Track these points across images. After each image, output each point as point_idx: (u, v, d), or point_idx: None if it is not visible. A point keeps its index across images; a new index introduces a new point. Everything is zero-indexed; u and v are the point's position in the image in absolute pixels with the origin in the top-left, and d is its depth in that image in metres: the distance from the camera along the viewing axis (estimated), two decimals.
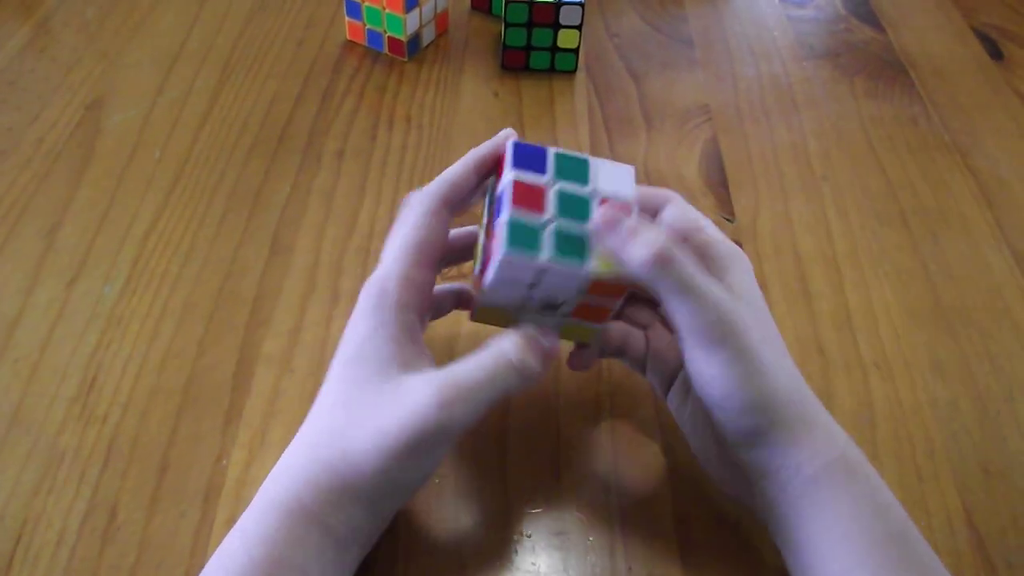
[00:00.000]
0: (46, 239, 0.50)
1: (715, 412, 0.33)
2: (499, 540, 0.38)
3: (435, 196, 0.35)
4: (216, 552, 0.31)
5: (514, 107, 0.61)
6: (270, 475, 0.33)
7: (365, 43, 0.66)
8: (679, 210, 0.37)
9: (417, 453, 0.31)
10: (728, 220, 0.53)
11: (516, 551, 0.37)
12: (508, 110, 0.60)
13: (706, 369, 0.32)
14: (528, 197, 0.32)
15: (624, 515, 0.39)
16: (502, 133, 0.36)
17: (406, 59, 0.64)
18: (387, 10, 0.62)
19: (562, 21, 0.61)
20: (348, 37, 0.66)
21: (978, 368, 0.46)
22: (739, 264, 0.36)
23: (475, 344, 0.33)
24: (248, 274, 0.48)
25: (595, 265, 0.32)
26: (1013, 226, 0.54)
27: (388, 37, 0.64)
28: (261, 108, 0.59)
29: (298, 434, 0.34)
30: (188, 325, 0.45)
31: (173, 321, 0.46)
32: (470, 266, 0.40)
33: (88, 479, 0.39)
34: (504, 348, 0.33)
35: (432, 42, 0.67)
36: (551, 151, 0.34)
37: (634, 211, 0.33)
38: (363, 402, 0.32)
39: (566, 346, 0.39)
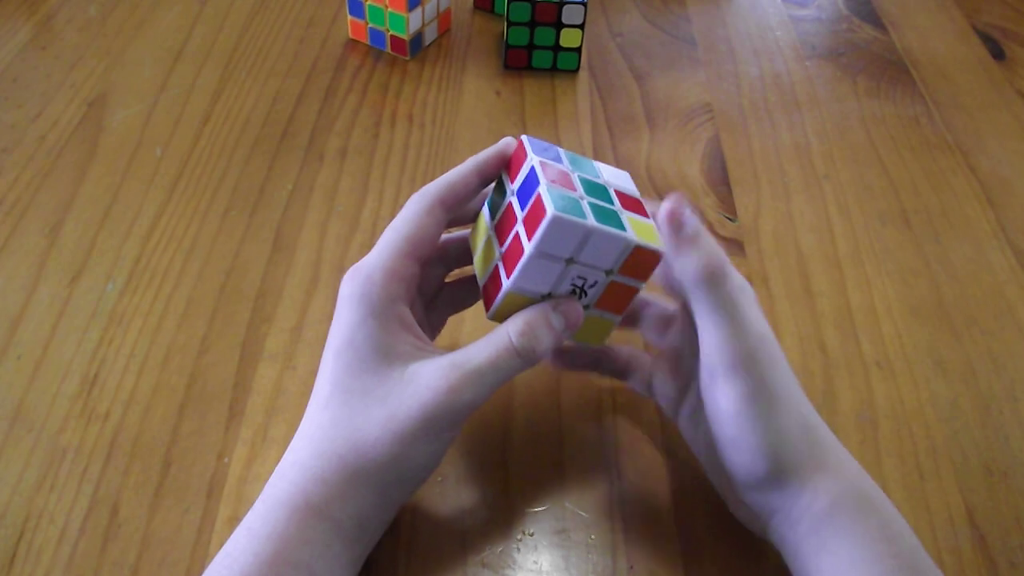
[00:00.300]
0: (48, 236, 0.50)
1: (726, 452, 0.33)
2: (501, 538, 0.38)
3: (431, 195, 0.35)
4: (221, 550, 0.31)
5: (516, 106, 0.61)
6: (275, 472, 0.33)
7: (368, 41, 0.66)
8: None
9: (428, 436, 0.32)
10: (730, 219, 0.53)
11: (518, 549, 0.37)
12: (510, 109, 0.60)
13: (723, 402, 0.32)
14: (556, 176, 0.33)
15: (626, 513, 0.39)
16: (503, 141, 0.36)
17: (408, 58, 0.64)
18: (390, 8, 0.62)
19: (565, 20, 0.61)
20: (351, 35, 0.66)
21: (980, 367, 0.46)
22: (749, 296, 0.35)
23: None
24: (250, 271, 0.48)
25: (635, 235, 0.33)
26: (1015, 225, 0.54)
27: (391, 35, 0.64)
28: (263, 106, 0.59)
29: (299, 430, 0.34)
30: (190, 322, 0.45)
31: (175, 318, 0.46)
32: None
33: (90, 476, 0.39)
34: (508, 332, 0.33)
35: (434, 41, 0.67)
36: (560, 148, 0.36)
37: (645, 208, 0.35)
38: (365, 390, 0.32)
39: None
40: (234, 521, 0.37)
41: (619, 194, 0.35)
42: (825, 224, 0.53)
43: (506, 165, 0.36)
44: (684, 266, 0.32)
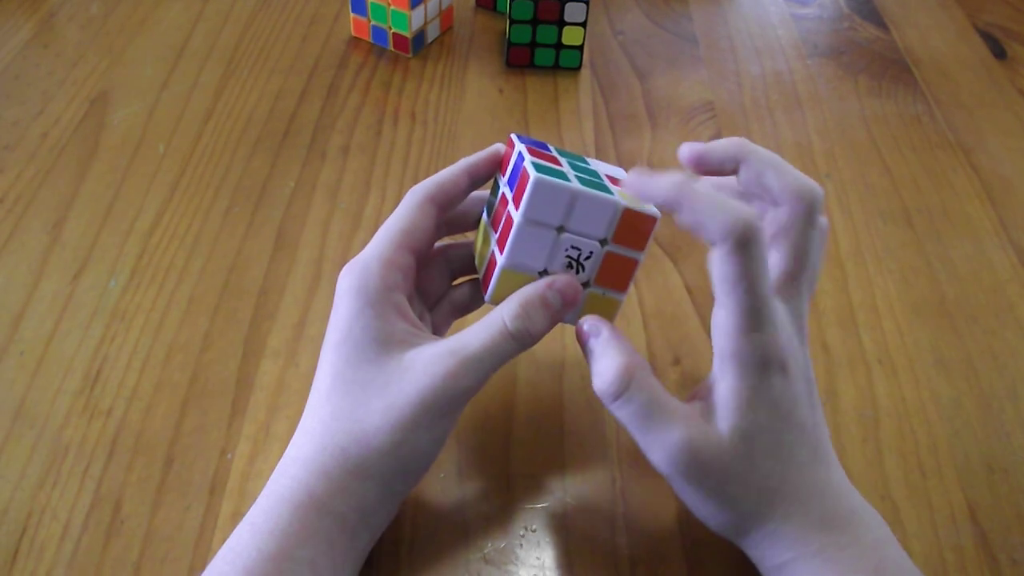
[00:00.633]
0: (51, 233, 0.50)
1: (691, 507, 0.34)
2: (504, 534, 0.38)
3: (421, 192, 0.36)
4: (224, 546, 0.31)
5: (519, 104, 0.61)
6: (277, 468, 0.33)
7: (370, 39, 0.66)
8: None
9: (428, 423, 0.32)
10: None
11: (521, 545, 0.37)
12: (512, 107, 0.60)
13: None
14: (544, 158, 0.34)
15: (628, 510, 0.39)
16: (494, 145, 0.37)
17: (411, 55, 0.64)
18: (392, 6, 0.62)
19: (567, 18, 0.61)
20: (353, 33, 0.66)
21: (981, 365, 0.46)
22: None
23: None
24: (253, 268, 0.48)
25: (623, 199, 0.33)
26: (1016, 224, 0.54)
27: (393, 33, 0.64)
28: (266, 104, 0.60)
29: (300, 425, 0.34)
30: (193, 319, 0.45)
31: (178, 315, 0.46)
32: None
33: (93, 473, 0.39)
34: (502, 315, 0.33)
35: (437, 39, 0.67)
36: (551, 145, 0.36)
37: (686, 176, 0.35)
38: (365, 381, 0.32)
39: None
40: (237, 517, 0.37)
41: (609, 177, 0.35)
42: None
43: (500, 166, 0.37)
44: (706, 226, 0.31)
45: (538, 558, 0.37)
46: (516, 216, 0.33)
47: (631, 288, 0.36)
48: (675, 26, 0.70)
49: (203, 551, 0.36)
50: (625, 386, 0.31)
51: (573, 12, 0.61)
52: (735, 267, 0.30)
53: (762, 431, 0.31)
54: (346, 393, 0.33)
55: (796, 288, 0.34)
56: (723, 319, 0.31)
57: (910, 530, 0.38)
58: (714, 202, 0.31)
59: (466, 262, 0.39)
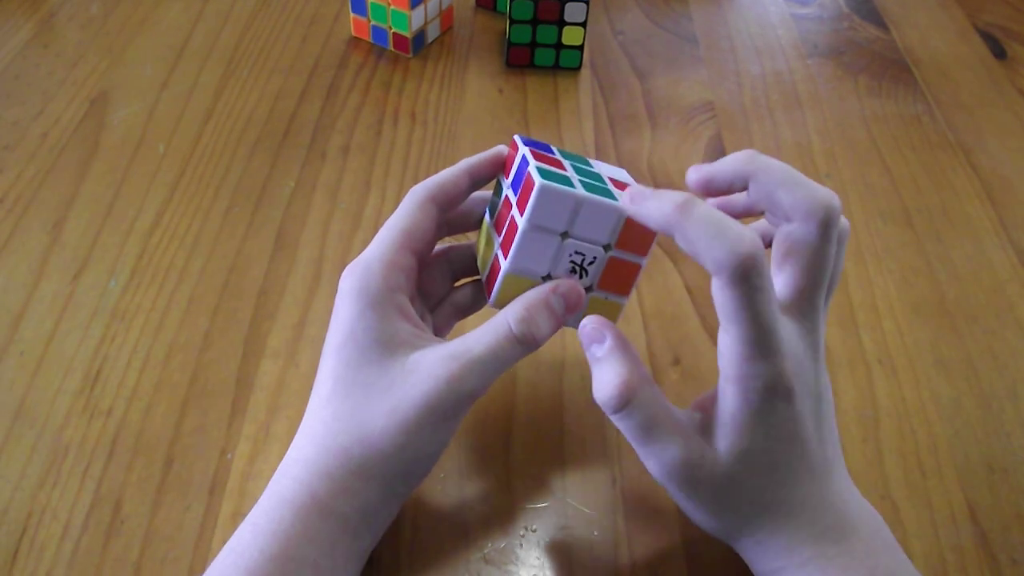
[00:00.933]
0: (51, 233, 0.50)
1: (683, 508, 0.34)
2: (504, 534, 0.38)
3: (422, 191, 0.36)
4: (225, 547, 0.31)
5: (519, 104, 0.61)
6: (279, 469, 0.33)
7: (370, 39, 0.66)
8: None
9: (432, 426, 0.32)
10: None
11: (521, 545, 0.37)
12: (512, 107, 0.60)
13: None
14: (548, 162, 0.34)
15: (628, 510, 0.39)
16: (497, 147, 0.37)
17: (411, 55, 0.64)
18: (392, 6, 0.62)
19: (567, 18, 0.61)
20: (353, 33, 0.66)
21: (981, 365, 0.46)
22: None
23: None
24: (253, 268, 0.48)
25: None
26: (1016, 224, 0.54)
27: (393, 33, 0.64)
28: (266, 104, 0.60)
29: (302, 426, 0.34)
30: (193, 319, 0.45)
31: (178, 315, 0.46)
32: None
33: (93, 473, 0.39)
34: (507, 319, 0.33)
35: (437, 39, 0.67)
36: (554, 146, 0.36)
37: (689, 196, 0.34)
38: (368, 383, 0.32)
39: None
40: (237, 518, 0.37)
41: (612, 180, 0.35)
42: None
43: (503, 167, 0.37)
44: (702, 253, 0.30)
45: (538, 558, 0.37)
46: (521, 222, 0.33)
47: (633, 292, 0.36)
48: (675, 26, 0.70)
49: (203, 551, 0.36)
50: (626, 402, 0.31)
51: (573, 12, 0.61)
52: (735, 299, 0.29)
53: (759, 452, 0.31)
54: (349, 395, 0.32)
55: (811, 303, 0.32)
56: (726, 345, 0.30)
57: (910, 530, 0.39)
58: (711, 230, 0.29)
59: (467, 263, 0.39)
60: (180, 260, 0.49)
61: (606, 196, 0.33)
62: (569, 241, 0.33)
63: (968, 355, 0.46)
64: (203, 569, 0.31)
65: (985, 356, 0.46)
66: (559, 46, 0.63)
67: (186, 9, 0.69)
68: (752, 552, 0.33)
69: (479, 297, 0.40)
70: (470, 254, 0.39)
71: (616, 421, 0.32)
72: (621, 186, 0.35)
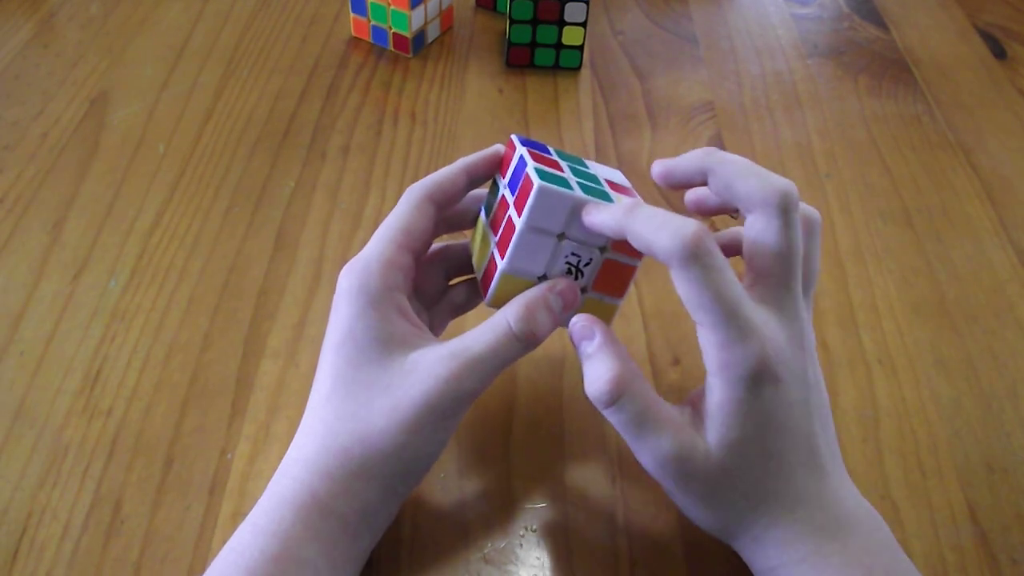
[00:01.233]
0: (51, 233, 0.50)
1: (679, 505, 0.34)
2: (504, 534, 0.38)
3: (419, 190, 0.36)
4: (226, 547, 0.31)
5: (519, 104, 0.61)
6: (279, 469, 0.33)
7: (370, 39, 0.66)
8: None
9: (432, 425, 0.32)
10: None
11: (521, 545, 0.37)
12: (512, 107, 0.60)
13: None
14: (545, 163, 0.34)
15: (628, 510, 0.39)
16: (494, 146, 0.37)
17: (411, 55, 0.64)
18: (392, 6, 0.62)
19: (567, 18, 0.61)
20: (353, 33, 0.66)
21: (981, 365, 0.46)
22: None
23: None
24: (253, 269, 0.48)
25: None
26: (1016, 224, 0.54)
27: (393, 33, 0.64)
28: (266, 104, 0.60)
29: (302, 426, 0.34)
30: (193, 319, 0.45)
31: (178, 315, 0.46)
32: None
33: (93, 473, 0.39)
34: (506, 317, 0.33)
35: (437, 39, 0.67)
36: (550, 147, 0.36)
37: (637, 200, 0.34)
38: (368, 382, 0.32)
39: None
40: (237, 518, 0.37)
41: (608, 182, 0.35)
42: (827, 222, 0.53)
43: (500, 166, 0.37)
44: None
45: (538, 558, 0.37)
46: (518, 222, 0.33)
47: (629, 291, 0.36)
48: (675, 26, 0.70)
49: (203, 551, 0.36)
50: (617, 395, 0.32)
51: (573, 12, 0.61)
52: (693, 282, 0.30)
53: (750, 442, 0.31)
54: (349, 394, 0.33)
55: (787, 290, 0.33)
56: (703, 336, 0.31)
57: (910, 530, 0.39)
58: (655, 222, 0.31)
59: (463, 262, 0.39)
60: (180, 260, 0.49)
61: (602, 198, 0.33)
62: (566, 242, 0.33)
63: (968, 355, 0.46)
64: (203, 569, 0.31)
65: (985, 356, 0.46)
66: (559, 46, 0.63)
67: (186, 9, 0.69)
68: (750, 550, 0.33)
69: (474, 296, 0.40)
70: (465, 253, 0.39)
71: (608, 416, 0.32)
72: (617, 188, 0.35)
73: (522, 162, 0.34)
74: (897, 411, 0.43)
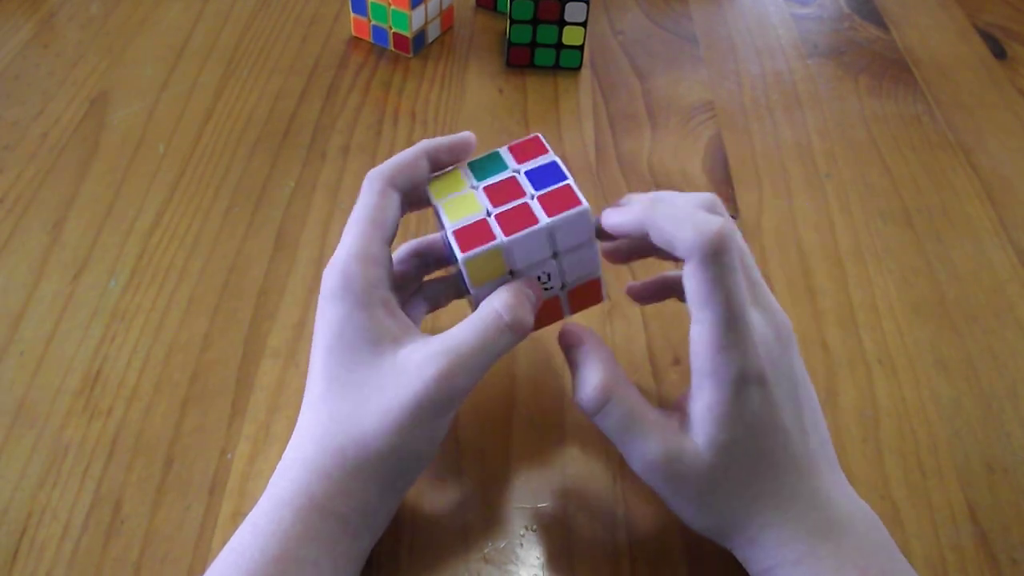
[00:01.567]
0: (51, 233, 0.50)
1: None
2: (504, 534, 0.38)
3: (380, 176, 0.36)
4: (225, 548, 0.31)
5: (519, 104, 0.61)
6: (276, 471, 0.33)
7: (370, 39, 0.66)
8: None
9: (425, 424, 0.32)
10: (732, 216, 0.53)
11: (521, 545, 0.37)
12: (513, 107, 0.60)
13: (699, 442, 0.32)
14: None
15: (629, 509, 0.39)
16: (462, 133, 0.38)
17: (411, 55, 0.64)
18: (392, 6, 0.62)
19: (567, 18, 0.61)
20: (353, 33, 0.66)
21: (981, 365, 0.46)
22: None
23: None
24: (253, 268, 0.48)
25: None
26: (1016, 224, 0.54)
27: (393, 33, 0.64)
28: (266, 104, 0.60)
29: (298, 427, 0.34)
30: (193, 319, 0.45)
31: (178, 315, 0.46)
32: None
33: (93, 472, 0.39)
34: (495, 308, 0.33)
35: (437, 38, 0.67)
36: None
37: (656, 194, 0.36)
38: (360, 383, 0.32)
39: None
40: (237, 517, 0.37)
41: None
42: (827, 222, 0.53)
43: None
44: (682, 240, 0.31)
45: (538, 558, 0.37)
46: (543, 218, 0.34)
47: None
48: (675, 26, 0.70)
49: (203, 551, 0.36)
50: (604, 402, 0.32)
51: (573, 12, 0.60)
52: (708, 280, 0.30)
53: (739, 443, 0.31)
54: (342, 396, 0.33)
55: (741, 318, 0.32)
56: (699, 335, 0.31)
57: (910, 530, 0.39)
58: (680, 214, 0.31)
59: (437, 255, 0.40)
60: (180, 260, 0.49)
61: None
62: (551, 261, 0.35)
63: (968, 355, 0.46)
64: (203, 569, 0.31)
65: (985, 356, 0.46)
66: (559, 46, 0.63)
67: (186, 9, 0.69)
68: (745, 551, 0.33)
69: (449, 289, 0.40)
70: (439, 247, 0.39)
71: (596, 422, 0.33)
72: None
73: (557, 169, 0.36)
74: (897, 411, 0.43)
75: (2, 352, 0.44)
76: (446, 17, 0.67)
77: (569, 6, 0.60)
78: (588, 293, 0.37)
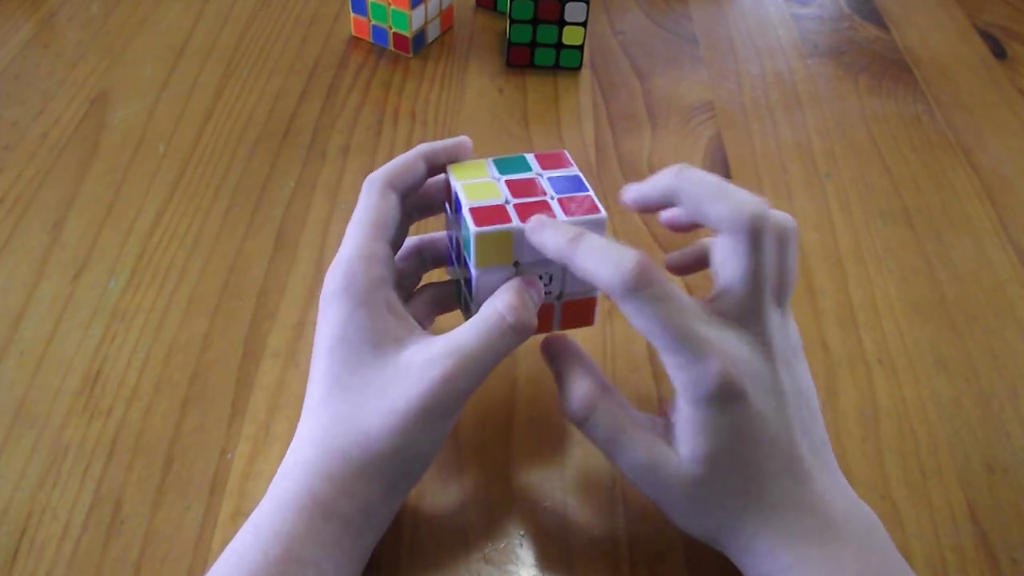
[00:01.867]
0: (51, 233, 0.50)
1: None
2: (504, 535, 0.38)
3: (379, 179, 0.36)
4: (227, 549, 0.31)
5: (519, 104, 0.61)
6: (279, 472, 0.33)
7: (370, 39, 0.66)
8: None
9: (428, 426, 0.32)
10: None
11: (521, 545, 0.37)
12: (513, 107, 0.60)
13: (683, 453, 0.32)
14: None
15: (629, 511, 0.39)
16: (459, 137, 0.38)
17: (411, 55, 0.64)
18: (392, 6, 0.62)
19: (567, 18, 0.61)
20: (353, 33, 0.66)
21: (981, 364, 0.46)
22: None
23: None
24: (253, 268, 0.48)
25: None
26: (1016, 224, 0.54)
27: (393, 33, 0.64)
28: (266, 103, 0.60)
29: (299, 428, 0.34)
30: (193, 319, 0.45)
31: (178, 315, 0.46)
32: None
33: (93, 472, 0.39)
34: (498, 310, 0.33)
35: (437, 38, 0.67)
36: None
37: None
38: (363, 384, 0.32)
39: None
40: (237, 517, 0.37)
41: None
42: (827, 222, 0.53)
43: (541, 157, 0.38)
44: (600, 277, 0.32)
45: (538, 558, 0.37)
46: (561, 216, 0.34)
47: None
48: (675, 26, 0.70)
49: (203, 551, 0.36)
50: (590, 411, 0.33)
51: (573, 12, 0.60)
52: (639, 313, 0.31)
53: (722, 454, 0.31)
54: (344, 397, 0.32)
55: (751, 309, 0.33)
56: (664, 360, 0.32)
57: (910, 530, 0.39)
58: (598, 255, 0.31)
59: (437, 253, 0.40)
60: (180, 260, 0.49)
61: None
62: (556, 264, 0.35)
63: (968, 355, 0.46)
64: (203, 569, 0.31)
65: (985, 356, 0.46)
66: (559, 46, 0.63)
67: (186, 9, 0.69)
68: (739, 558, 0.33)
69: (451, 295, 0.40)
70: (441, 246, 0.40)
71: (583, 433, 0.33)
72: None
73: (580, 182, 0.36)
74: (897, 411, 0.43)
75: (2, 352, 0.44)
76: (446, 17, 0.67)
77: (569, 6, 0.60)
78: (582, 311, 0.37)
